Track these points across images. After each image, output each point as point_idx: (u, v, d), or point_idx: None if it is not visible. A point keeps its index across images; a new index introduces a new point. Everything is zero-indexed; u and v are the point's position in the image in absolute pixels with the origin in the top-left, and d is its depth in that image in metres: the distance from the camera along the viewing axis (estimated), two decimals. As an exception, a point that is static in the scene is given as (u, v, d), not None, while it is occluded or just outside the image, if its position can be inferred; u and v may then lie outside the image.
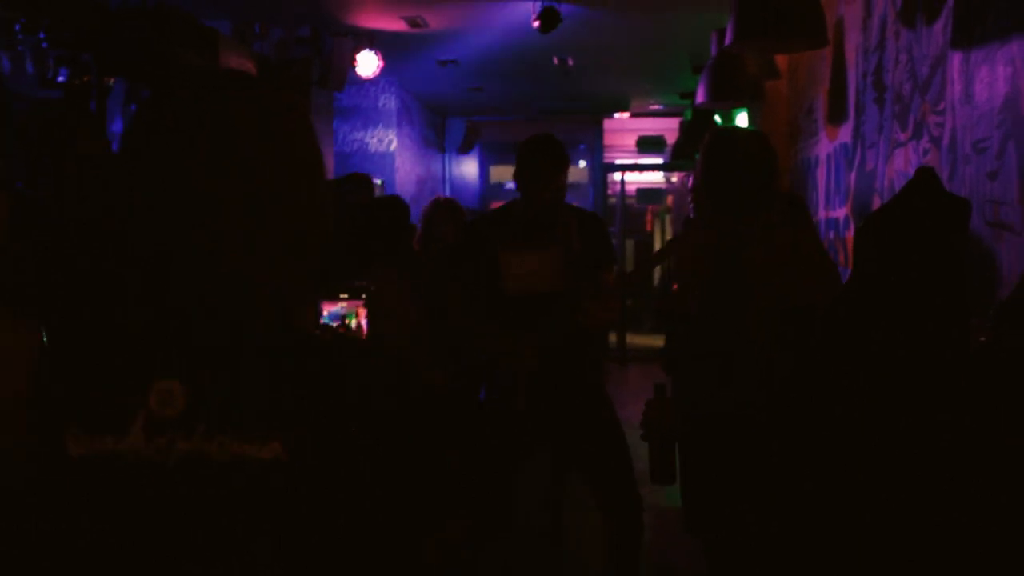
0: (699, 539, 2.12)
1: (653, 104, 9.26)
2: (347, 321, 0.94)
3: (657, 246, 10.30)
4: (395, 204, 3.13)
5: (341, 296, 0.93)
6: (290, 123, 0.76)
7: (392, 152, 7.63)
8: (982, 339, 1.78)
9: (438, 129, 9.87)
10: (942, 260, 1.54)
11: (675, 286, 3.49)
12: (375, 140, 7.59)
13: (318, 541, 0.68)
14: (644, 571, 3.52)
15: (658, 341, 8.13)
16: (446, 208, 3.77)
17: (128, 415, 0.66)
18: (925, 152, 2.83)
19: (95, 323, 0.71)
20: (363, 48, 5.78)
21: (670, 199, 10.76)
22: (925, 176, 1.86)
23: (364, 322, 0.91)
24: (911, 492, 1.26)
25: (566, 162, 2.68)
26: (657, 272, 8.66)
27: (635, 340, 8.84)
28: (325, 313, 0.92)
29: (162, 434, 0.66)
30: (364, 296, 0.92)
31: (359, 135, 7.57)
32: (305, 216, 0.75)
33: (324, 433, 0.70)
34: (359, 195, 3.79)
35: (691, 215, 3.55)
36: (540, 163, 2.60)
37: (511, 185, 4.05)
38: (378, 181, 7.07)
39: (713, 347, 1.79)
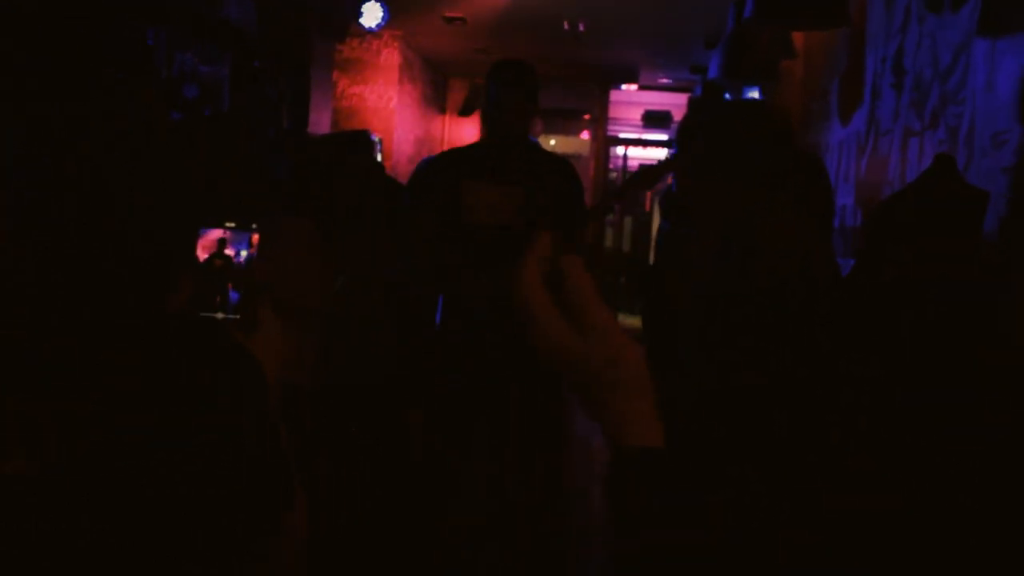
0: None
1: (662, 77, 9.09)
2: (227, 254, 0.76)
3: (655, 226, 10.18)
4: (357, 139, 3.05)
5: (227, 225, 0.77)
6: None
7: (392, 109, 7.48)
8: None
9: (439, 89, 9.68)
10: (952, 256, 1.46)
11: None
12: (375, 96, 7.43)
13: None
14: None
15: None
16: None
17: None
18: (941, 143, 2.72)
19: None
20: (368, -2, 5.61)
21: (670, 178, 10.63)
22: (943, 164, 1.77)
23: (244, 256, 0.73)
24: (924, 479, 1.19)
25: (535, 91, 2.59)
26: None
27: (625, 321, 8.79)
28: (201, 249, 0.76)
29: None
30: (255, 226, 0.75)
31: (358, 89, 7.41)
32: None
33: (101, 440, 0.58)
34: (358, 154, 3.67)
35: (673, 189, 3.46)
36: (507, 91, 2.52)
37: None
38: (376, 139, 6.93)
39: (711, 327, 1.71)
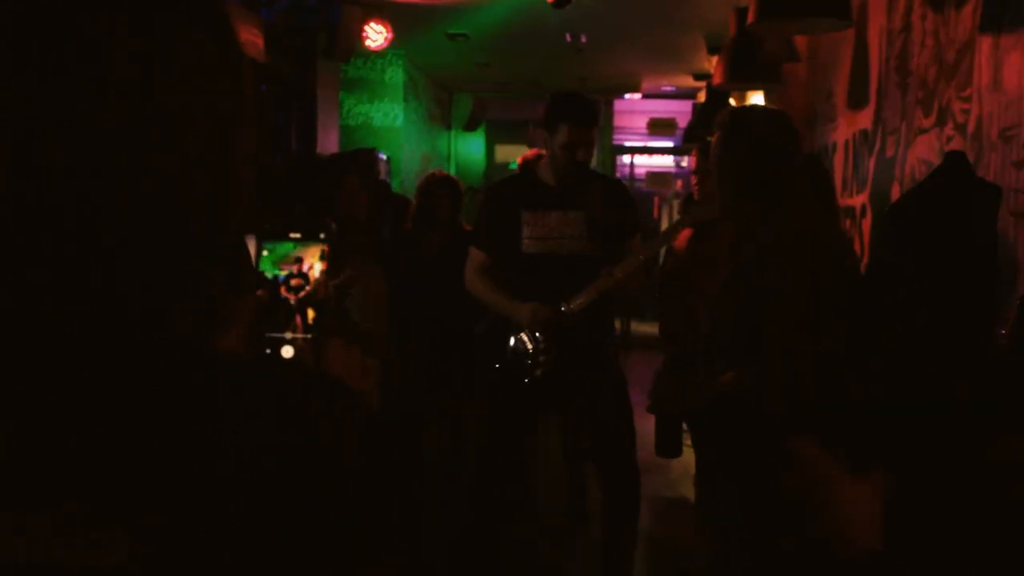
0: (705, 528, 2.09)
1: (666, 85, 9.12)
2: (301, 267, 0.73)
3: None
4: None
5: (291, 236, 0.72)
6: None
7: (398, 127, 7.53)
8: (1003, 332, 1.71)
9: (444, 105, 9.74)
10: (971, 249, 1.47)
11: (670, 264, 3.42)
12: (381, 114, 7.49)
13: None
14: (654, 556, 3.48)
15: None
16: (444, 183, 3.75)
17: None
18: (949, 139, 2.74)
19: None
20: (372, 18, 5.66)
21: (679, 184, 10.65)
22: (954, 160, 1.79)
23: (319, 270, 0.69)
24: (925, 496, 1.20)
25: (596, 124, 2.69)
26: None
27: (639, 328, 8.78)
28: (266, 253, 0.72)
29: None
30: (323, 236, 0.71)
31: (364, 108, 7.46)
32: None
33: (204, 515, 0.52)
34: (363, 173, 3.71)
35: (695, 196, 3.49)
36: (572, 126, 2.59)
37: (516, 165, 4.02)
38: (383, 156, 6.98)
39: (723, 349, 1.73)
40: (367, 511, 0.61)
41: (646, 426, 5.01)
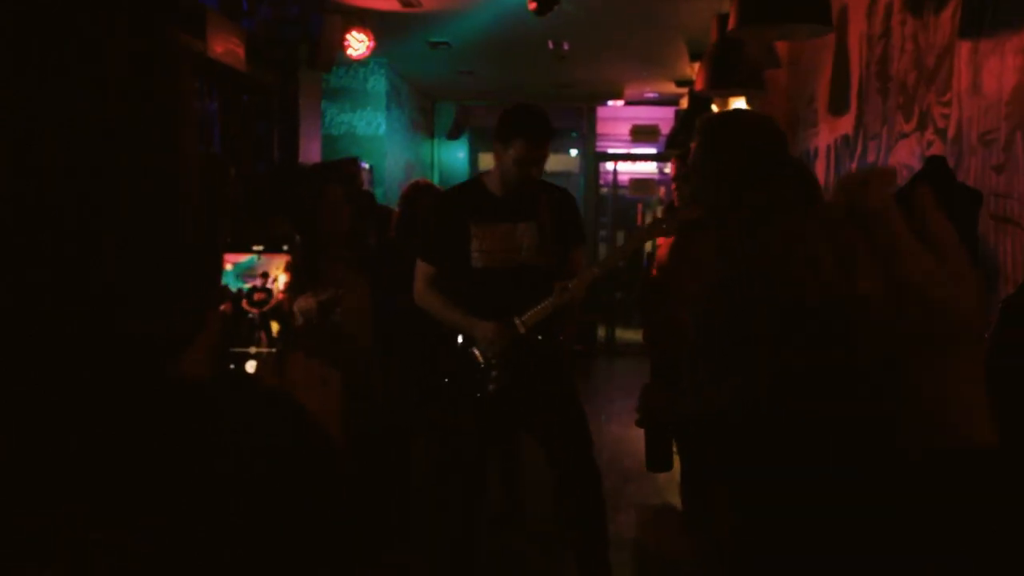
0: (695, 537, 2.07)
1: (648, 92, 9.16)
2: (266, 281, 0.71)
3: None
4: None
5: (254, 248, 0.71)
6: None
7: (381, 135, 7.51)
8: (985, 337, 1.71)
9: (427, 113, 9.73)
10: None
11: (654, 271, 3.42)
12: (364, 123, 7.47)
13: None
14: (640, 563, 3.47)
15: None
16: (427, 191, 3.74)
17: None
18: (929, 144, 2.75)
19: None
20: (353, 27, 5.65)
21: (662, 190, 10.69)
22: (936, 165, 1.79)
23: (283, 283, 0.68)
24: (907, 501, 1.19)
25: (551, 141, 2.67)
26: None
27: (624, 335, 8.79)
28: (230, 266, 0.70)
29: None
30: (286, 248, 0.70)
31: (347, 117, 7.45)
32: None
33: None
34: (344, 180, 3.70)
35: (675, 203, 3.50)
36: (527, 143, 2.56)
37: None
38: (367, 165, 6.95)
39: (712, 352, 1.72)
40: (351, 522, 0.61)
41: (633, 434, 5.01)
